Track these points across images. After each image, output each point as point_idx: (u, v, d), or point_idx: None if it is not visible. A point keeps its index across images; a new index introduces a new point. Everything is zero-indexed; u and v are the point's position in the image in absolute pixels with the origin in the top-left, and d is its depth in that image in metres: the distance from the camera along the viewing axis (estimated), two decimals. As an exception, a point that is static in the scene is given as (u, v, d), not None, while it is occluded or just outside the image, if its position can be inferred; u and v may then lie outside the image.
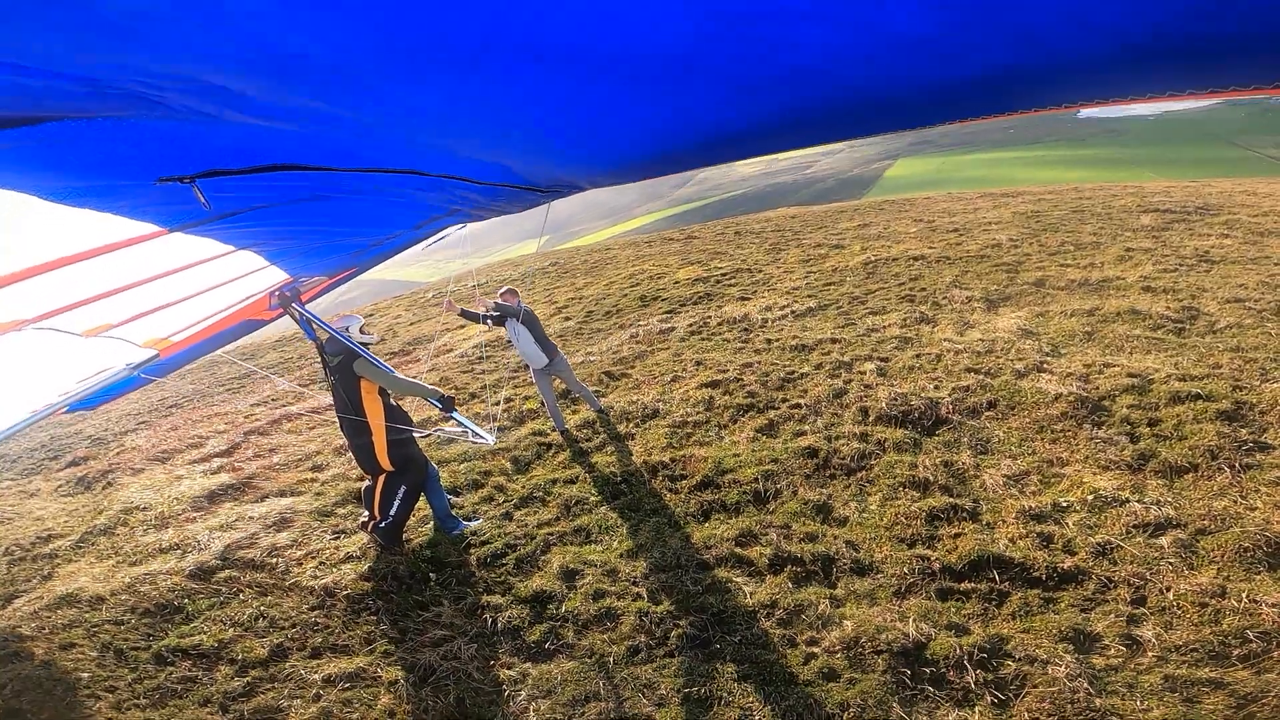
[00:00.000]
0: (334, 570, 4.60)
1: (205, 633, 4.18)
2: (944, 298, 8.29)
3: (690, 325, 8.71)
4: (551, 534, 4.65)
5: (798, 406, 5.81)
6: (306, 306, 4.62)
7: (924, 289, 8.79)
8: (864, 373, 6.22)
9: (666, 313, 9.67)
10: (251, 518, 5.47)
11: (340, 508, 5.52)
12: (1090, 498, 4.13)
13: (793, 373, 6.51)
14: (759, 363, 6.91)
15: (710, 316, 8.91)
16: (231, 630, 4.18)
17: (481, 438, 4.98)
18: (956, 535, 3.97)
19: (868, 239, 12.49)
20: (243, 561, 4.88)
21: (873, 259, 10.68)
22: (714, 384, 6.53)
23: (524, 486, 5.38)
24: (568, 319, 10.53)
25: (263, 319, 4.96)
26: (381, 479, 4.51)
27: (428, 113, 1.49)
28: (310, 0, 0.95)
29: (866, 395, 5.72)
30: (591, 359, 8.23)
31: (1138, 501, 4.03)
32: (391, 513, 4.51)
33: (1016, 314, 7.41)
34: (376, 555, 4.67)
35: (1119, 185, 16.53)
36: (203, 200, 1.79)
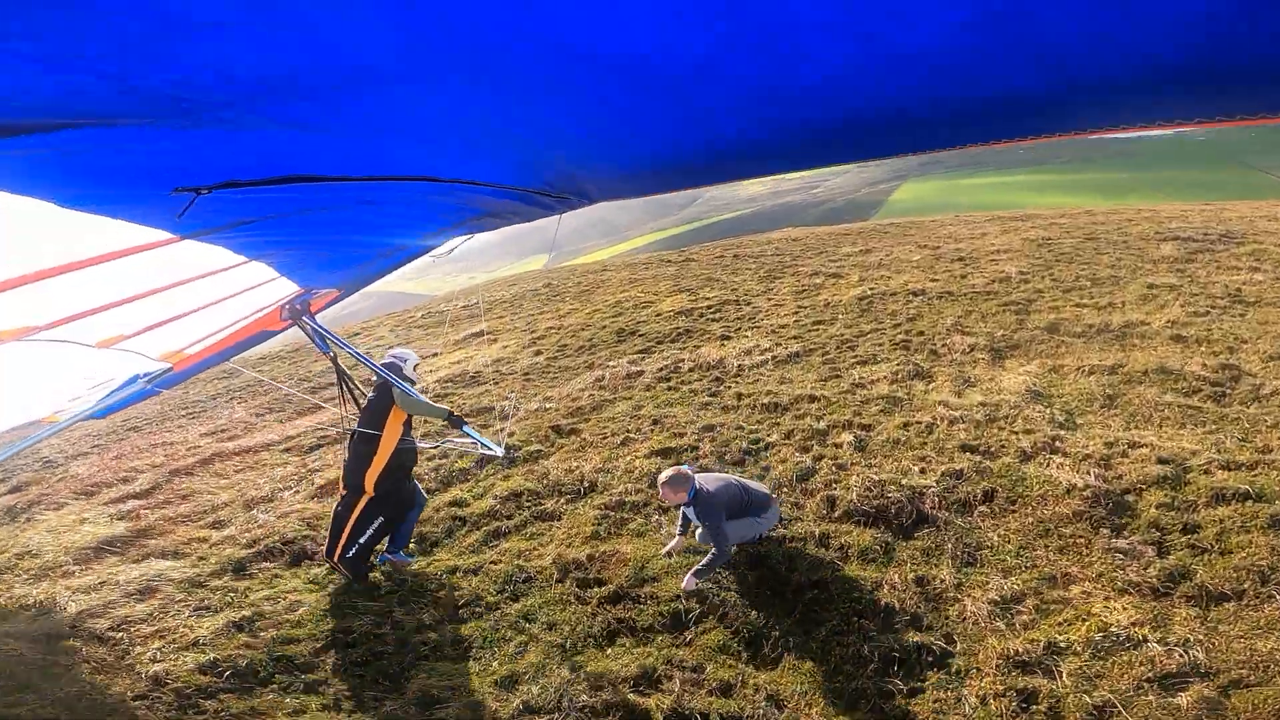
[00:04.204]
0: (173, 656, 3.95)
1: (26, 705, 3.55)
2: (943, 345, 7.38)
3: (660, 369, 7.90)
4: (425, 643, 3.91)
5: (756, 487, 4.96)
6: (316, 318, 4.59)
7: (922, 332, 7.88)
8: (839, 445, 5.35)
9: (640, 352, 8.89)
10: (118, 582, 4.88)
11: (215, 579, 4.89)
12: (1098, 636, 3.28)
13: (758, 441, 5.66)
14: (723, 425, 6.07)
15: (684, 360, 8.09)
16: (51, 709, 3.56)
17: (490, 449, 5.09)
18: (914, 691, 3.11)
19: (867, 268, 11.58)
20: (89, 632, 4.30)
21: (869, 292, 9.79)
22: (666, 451, 5.69)
23: (420, 568, 4.74)
24: (538, 353, 9.82)
25: (274, 329, 4.82)
26: (361, 503, 4.45)
27: (443, 114, 1.50)
28: (331, 4, 0.95)
29: (837, 479, 4.84)
30: (549, 405, 7.48)
31: (1158, 643, 3.17)
32: (361, 540, 4.42)
33: (1025, 368, 6.49)
34: (225, 642, 3.99)
35: (1133, 209, 15.45)
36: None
